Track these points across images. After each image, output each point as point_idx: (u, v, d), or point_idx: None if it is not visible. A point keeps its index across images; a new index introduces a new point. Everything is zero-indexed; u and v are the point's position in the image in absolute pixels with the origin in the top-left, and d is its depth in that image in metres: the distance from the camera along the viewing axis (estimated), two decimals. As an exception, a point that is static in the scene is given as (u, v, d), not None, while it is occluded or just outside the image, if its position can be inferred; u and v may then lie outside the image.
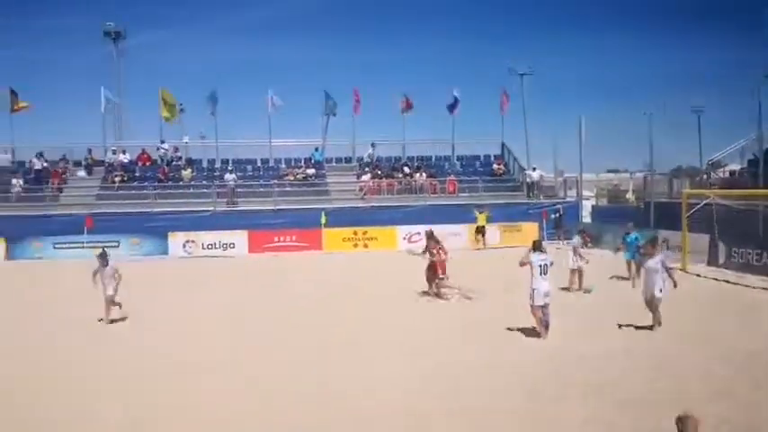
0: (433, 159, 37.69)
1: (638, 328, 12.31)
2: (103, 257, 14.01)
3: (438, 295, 16.23)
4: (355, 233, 29.91)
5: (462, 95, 36.66)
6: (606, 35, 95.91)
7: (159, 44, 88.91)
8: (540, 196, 33.88)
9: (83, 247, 28.04)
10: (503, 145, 37.89)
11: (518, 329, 12.41)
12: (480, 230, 29.11)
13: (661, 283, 12.04)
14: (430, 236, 16.73)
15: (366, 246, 29.60)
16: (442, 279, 16.23)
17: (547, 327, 11.91)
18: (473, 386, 9.23)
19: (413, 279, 17.22)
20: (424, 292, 16.46)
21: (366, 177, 34.31)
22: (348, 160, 37.26)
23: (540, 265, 11.80)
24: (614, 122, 50.32)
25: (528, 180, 34.35)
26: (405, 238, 29.92)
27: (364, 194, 33.38)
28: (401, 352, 11.12)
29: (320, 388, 9.23)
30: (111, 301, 13.80)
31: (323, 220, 29.25)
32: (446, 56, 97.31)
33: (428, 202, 32.39)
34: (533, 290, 11.79)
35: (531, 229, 29.08)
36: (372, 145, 36.53)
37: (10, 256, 28.09)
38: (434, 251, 16.18)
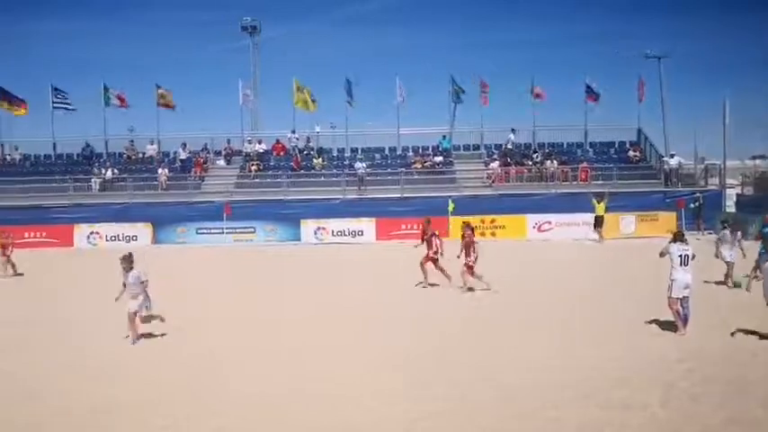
0: (565, 146, 36.65)
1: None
2: (127, 261, 11.51)
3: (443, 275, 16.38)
4: (483, 221, 29.50)
5: (595, 80, 35.42)
6: (753, 10, 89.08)
7: (291, 36, 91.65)
8: (678, 184, 32.10)
9: (222, 233, 29.67)
10: (639, 131, 36.24)
11: (655, 322, 11.87)
12: (599, 221, 27.32)
13: None
14: (428, 223, 16.99)
15: (494, 234, 29.22)
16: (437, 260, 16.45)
17: (686, 321, 11.29)
18: (608, 381, 8.87)
19: (543, 270, 16.87)
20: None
21: (495, 165, 33.86)
22: (476, 148, 36.92)
23: (681, 256, 11.20)
24: (762, 105, 46.60)
25: (665, 167, 32.60)
26: (534, 227, 29.34)
27: (492, 182, 32.97)
28: (550, 346, 10.87)
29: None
30: (134, 317, 11.36)
31: (450, 208, 29.15)
32: (577, 40, 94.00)
33: (559, 190, 31.52)
34: (672, 281, 11.21)
35: (668, 219, 27.73)
36: (513, 131, 35.90)
37: (156, 240, 30.04)
38: (432, 238, 16.46)
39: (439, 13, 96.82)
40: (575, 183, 32.57)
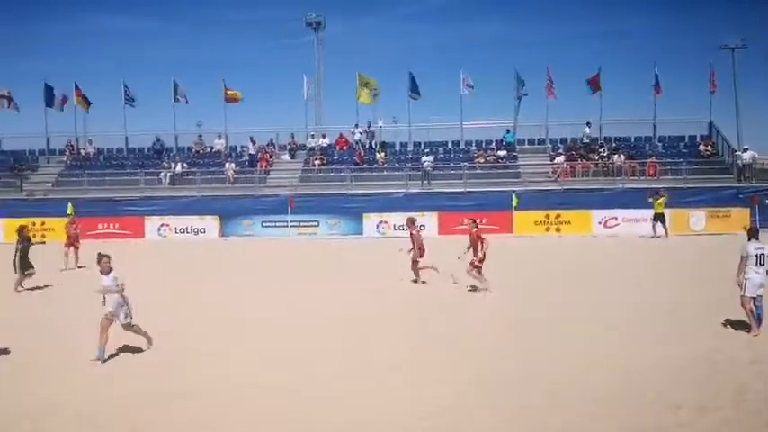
0: (632, 140, 35.81)
1: None
2: (105, 261, 10.16)
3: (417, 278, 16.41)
4: (547, 216, 29.22)
5: (664, 73, 34.51)
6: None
7: (355, 31, 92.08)
8: (752, 179, 30.96)
9: (287, 226, 30.12)
10: (710, 124, 35.12)
11: (727, 322, 11.56)
12: (658, 218, 26.40)
13: None
14: (411, 222, 16.85)
15: (558, 230, 28.83)
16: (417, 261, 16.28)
17: (759, 321, 10.94)
18: (678, 382, 8.66)
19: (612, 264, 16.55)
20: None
21: (560, 159, 33.35)
22: (541, 142, 36.45)
23: (757, 255, 10.85)
24: None
25: (738, 162, 31.46)
26: (600, 223, 28.82)
27: (558, 177, 32.49)
28: (620, 345, 10.71)
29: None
30: (107, 324, 10.05)
31: (514, 203, 28.87)
32: (645, 31, 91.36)
33: (626, 185, 30.80)
34: (746, 279, 10.87)
35: (741, 215, 26.83)
36: (588, 124, 35.29)
37: (223, 232, 30.73)
38: (415, 235, 16.32)
39: (504, 6, 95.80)
40: (642, 178, 31.85)
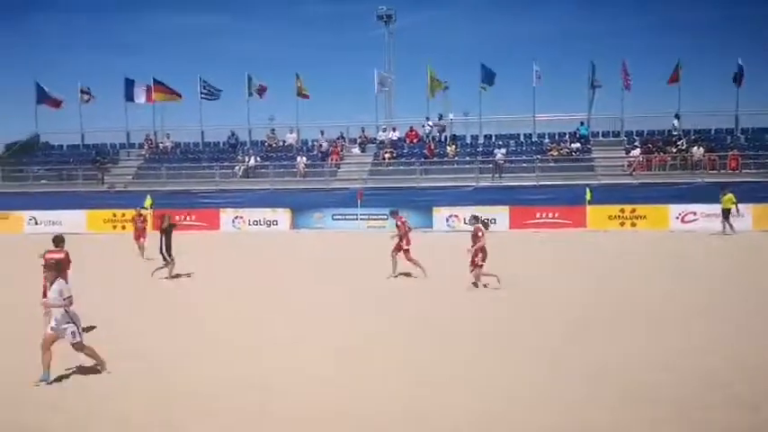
0: (713, 132, 34.51)
1: None
2: (53, 269, 9.02)
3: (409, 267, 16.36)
4: (622, 211, 28.54)
5: (748, 63, 33.07)
6: None
7: (426, 23, 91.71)
8: None
9: (356, 219, 30.38)
10: (799, 114, 33.53)
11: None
12: (725, 214, 25.45)
13: None
14: (395, 214, 16.83)
15: (634, 225, 28.15)
16: (407, 251, 16.09)
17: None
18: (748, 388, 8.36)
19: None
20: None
21: (636, 152, 32.44)
22: (616, 134, 35.54)
23: None
24: None
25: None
26: (678, 218, 27.97)
27: (633, 170, 31.62)
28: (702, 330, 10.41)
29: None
30: (49, 342, 8.59)
31: (588, 197, 28.31)
32: (726, 21, 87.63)
33: (705, 179, 29.68)
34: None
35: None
36: (677, 116, 34.21)
37: (294, 225, 31.23)
38: (400, 227, 16.20)
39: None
40: (723, 171, 30.57)
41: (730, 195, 25.57)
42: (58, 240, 11.12)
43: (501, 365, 9.19)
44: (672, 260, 19.26)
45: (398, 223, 16.77)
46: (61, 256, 10.60)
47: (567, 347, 9.99)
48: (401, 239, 16.53)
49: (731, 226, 25.30)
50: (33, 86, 38.75)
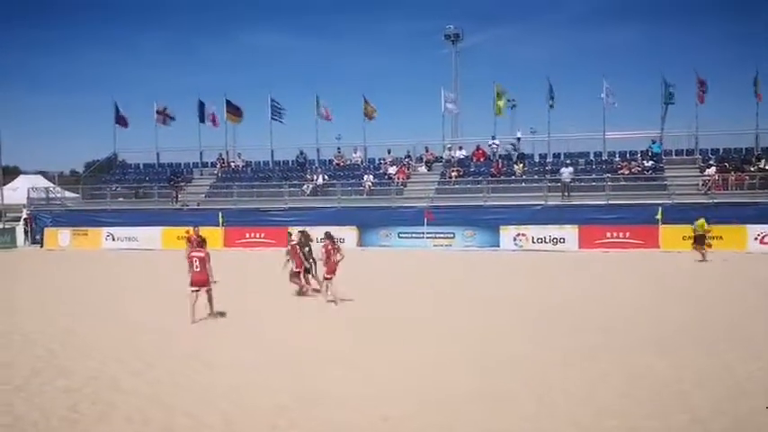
0: (794, 150, 33.17)
1: None
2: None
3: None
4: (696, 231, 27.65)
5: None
6: None
7: (493, 42, 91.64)
8: None
9: (423, 237, 30.42)
10: None
11: None
12: (699, 240, 24.28)
13: None
14: (329, 237, 15.80)
15: (709, 245, 27.19)
16: (329, 279, 15.30)
17: None
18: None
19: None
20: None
21: (711, 171, 31.43)
22: (690, 152, 34.55)
23: None
24: None
25: None
26: (756, 239, 26.97)
27: (708, 189, 30.62)
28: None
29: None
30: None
31: (659, 216, 27.60)
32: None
33: (787, 199, 28.53)
34: None
35: None
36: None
37: (361, 242, 31.46)
38: (331, 252, 15.31)
39: (648, 8, 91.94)
40: (806, 191, 29.36)
41: (702, 221, 24.57)
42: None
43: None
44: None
45: (325, 249, 15.74)
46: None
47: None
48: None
49: (703, 254, 23.93)
50: (112, 106, 40.46)
